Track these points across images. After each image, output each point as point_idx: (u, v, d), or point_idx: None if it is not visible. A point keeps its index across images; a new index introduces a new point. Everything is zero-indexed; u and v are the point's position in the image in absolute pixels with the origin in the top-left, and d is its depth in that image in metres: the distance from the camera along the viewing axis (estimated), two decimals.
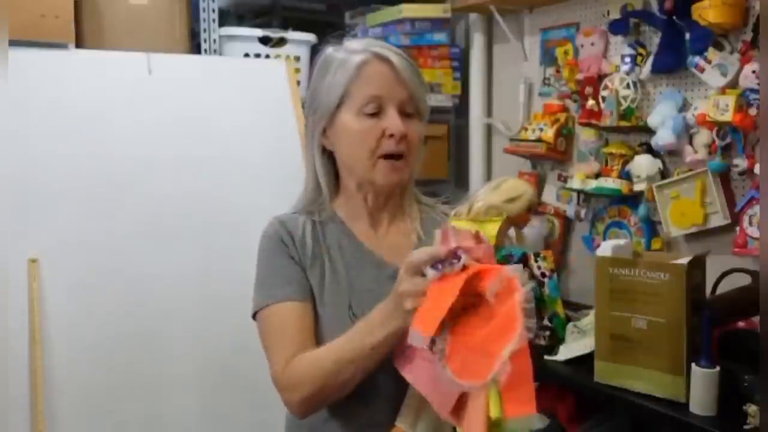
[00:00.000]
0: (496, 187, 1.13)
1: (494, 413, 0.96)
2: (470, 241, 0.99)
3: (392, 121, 1.17)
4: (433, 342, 1.01)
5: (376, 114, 1.18)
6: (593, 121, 2.24)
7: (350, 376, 1.11)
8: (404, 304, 1.01)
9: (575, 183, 2.30)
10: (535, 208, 1.14)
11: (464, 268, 0.97)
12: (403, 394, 1.14)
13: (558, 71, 2.46)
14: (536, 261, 1.06)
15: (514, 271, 0.96)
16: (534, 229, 2.49)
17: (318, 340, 1.19)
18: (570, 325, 2.02)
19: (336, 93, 1.20)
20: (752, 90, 1.78)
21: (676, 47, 2.00)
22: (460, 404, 1.02)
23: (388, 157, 1.19)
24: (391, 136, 1.17)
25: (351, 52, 1.20)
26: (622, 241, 1.80)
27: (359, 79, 1.18)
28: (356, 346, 1.09)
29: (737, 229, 1.86)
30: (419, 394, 1.09)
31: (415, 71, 1.20)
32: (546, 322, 1.04)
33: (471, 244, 0.99)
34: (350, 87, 1.19)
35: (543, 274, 1.05)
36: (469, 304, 0.99)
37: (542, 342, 1.07)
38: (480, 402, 0.97)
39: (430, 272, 0.99)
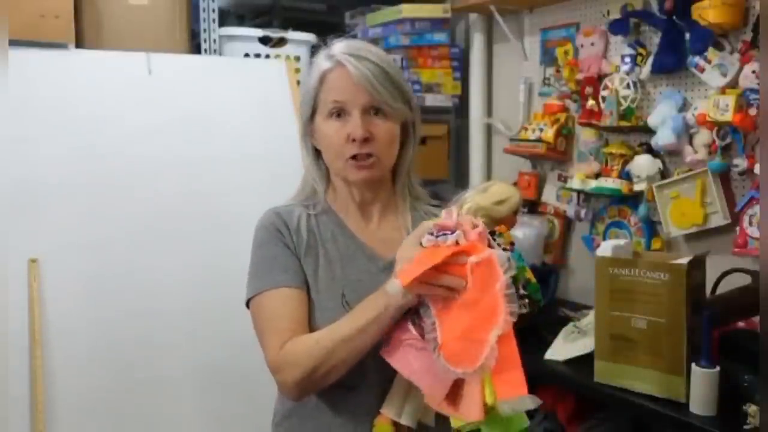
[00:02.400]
0: (484, 190, 1.16)
1: (489, 399, 0.99)
2: (468, 225, 1.06)
3: (353, 126, 1.23)
4: (422, 328, 1.08)
5: (343, 116, 1.24)
6: (593, 121, 2.24)
7: (344, 356, 1.14)
8: (396, 267, 1.08)
9: (575, 183, 2.30)
10: (520, 210, 1.18)
11: (456, 243, 1.04)
12: (389, 382, 1.17)
13: (558, 71, 2.46)
14: (494, 239, 1.09)
15: (499, 256, 1.02)
16: (534, 229, 2.49)
17: (312, 328, 1.22)
18: (570, 325, 2.04)
19: (309, 101, 1.29)
20: (752, 90, 1.78)
21: (676, 47, 2.00)
22: (452, 393, 1.05)
23: (354, 159, 1.24)
24: (354, 140, 1.22)
25: (322, 59, 1.28)
26: (622, 241, 1.80)
27: (323, 86, 1.26)
28: (348, 327, 1.14)
29: (737, 229, 1.86)
30: (406, 383, 1.13)
31: (377, 73, 1.23)
32: (522, 291, 1.07)
33: (468, 228, 1.06)
34: (318, 95, 1.27)
35: (504, 249, 1.08)
36: (458, 293, 1.04)
37: (523, 310, 1.10)
38: (475, 386, 1.01)
39: (426, 238, 1.06)
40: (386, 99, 1.23)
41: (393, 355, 1.12)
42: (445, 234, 1.05)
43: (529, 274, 1.07)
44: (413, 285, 1.04)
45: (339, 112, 1.24)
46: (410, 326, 1.10)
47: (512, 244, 1.11)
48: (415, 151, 1.34)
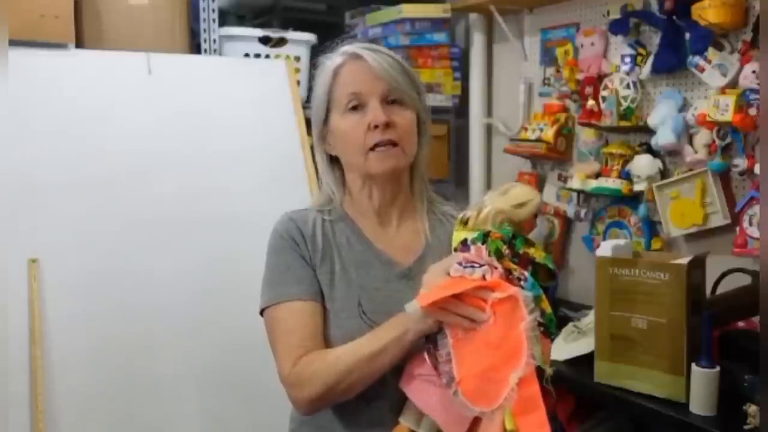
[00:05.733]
0: (504, 193, 1.15)
1: (509, 425, 0.98)
2: (494, 264, 1.05)
3: (374, 112, 1.21)
4: (436, 358, 1.06)
5: (360, 109, 1.22)
6: (593, 121, 2.24)
7: (361, 376, 1.14)
8: (421, 290, 1.07)
9: (575, 183, 2.30)
10: (540, 213, 1.17)
11: (483, 278, 1.04)
12: None
13: (558, 71, 2.46)
14: (511, 272, 1.07)
15: (524, 295, 1.01)
16: (534, 229, 2.49)
17: (328, 337, 1.21)
18: (570, 325, 2.04)
19: (322, 100, 1.26)
20: (752, 90, 1.78)
21: (676, 47, 2.00)
22: (473, 425, 1.05)
23: (378, 147, 1.22)
24: (376, 127, 1.20)
25: (332, 57, 1.26)
26: (622, 241, 1.80)
27: (337, 81, 1.24)
28: (367, 348, 1.13)
29: (737, 229, 1.86)
30: None
31: (394, 64, 1.23)
32: (539, 319, 1.06)
33: (495, 266, 1.05)
34: (332, 91, 1.25)
35: (519, 279, 1.07)
36: (477, 328, 1.03)
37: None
38: (494, 425, 0.99)
39: (454, 268, 1.06)
40: (404, 87, 1.22)
41: (411, 388, 1.12)
42: (473, 266, 1.04)
43: (545, 304, 1.04)
44: (432, 309, 1.04)
45: (357, 105, 1.22)
46: (426, 357, 1.09)
47: (530, 266, 1.09)
48: (428, 149, 1.32)
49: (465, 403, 1.01)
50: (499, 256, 1.06)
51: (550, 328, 1.04)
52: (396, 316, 1.13)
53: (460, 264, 1.06)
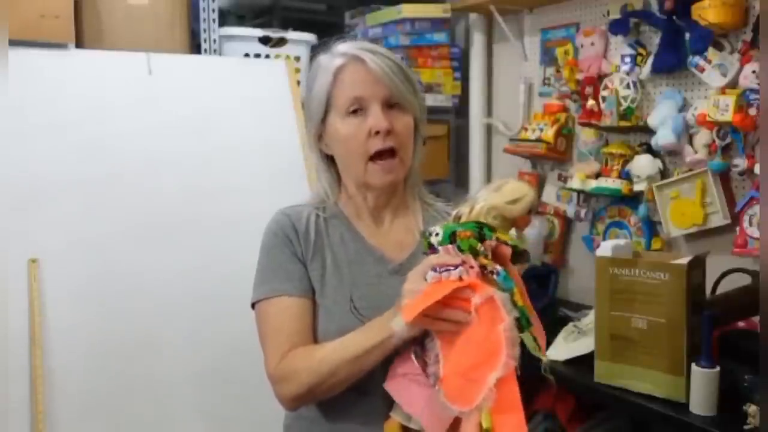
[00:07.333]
0: (497, 189, 1.14)
1: (485, 423, 0.99)
2: (469, 262, 1.05)
3: (375, 118, 1.20)
4: (424, 361, 1.07)
5: (361, 113, 1.21)
6: (593, 121, 2.24)
7: (345, 376, 1.15)
8: (402, 301, 1.06)
9: (575, 183, 2.30)
10: (535, 209, 1.15)
11: (460, 279, 1.03)
12: None
13: (558, 71, 2.46)
14: (486, 267, 1.07)
15: (501, 296, 1.01)
16: (534, 229, 2.49)
17: (319, 333, 1.22)
18: (570, 325, 2.04)
19: (321, 100, 1.24)
20: (752, 90, 1.78)
21: (676, 47, 2.00)
22: (452, 427, 1.05)
23: (378, 157, 1.22)
24: (377, 133, 1.20)
25: (331, 57, 1.24)
26: (622, 241, 1.80)
27: (338, 83, 1.23)
28: (352, 349, 1.13)
29: (737, 229, 1.86)
30: None
31: (394, 67, 1.22)
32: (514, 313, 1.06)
33: (468, 265, 1.05)
34: (332, 92, 1.23)
35: (491, 272, 1.07)
36: (462, 329, 1.04)
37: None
38: (471, 426, 1.00)
39: (430, 274, 1.05)
40: (403, 92, 1.22)
41: (395, 388, 1.12)
42: (448, 270, 1.04)
43: (517, 297, 1.04)
44: (417, 320, 1.03)
45: (357, 108, 1.21)
46: (413, 358, 1.09)
47: (512, 246, 1.09)
48: (422, 149, 1.32)
49: (445, 403, 1.02)
50: (474, 254, 1.05)
51: (521, 321, 1.04)
52: (381, 318, 1.12)
53: (434, 270, 1.05)
